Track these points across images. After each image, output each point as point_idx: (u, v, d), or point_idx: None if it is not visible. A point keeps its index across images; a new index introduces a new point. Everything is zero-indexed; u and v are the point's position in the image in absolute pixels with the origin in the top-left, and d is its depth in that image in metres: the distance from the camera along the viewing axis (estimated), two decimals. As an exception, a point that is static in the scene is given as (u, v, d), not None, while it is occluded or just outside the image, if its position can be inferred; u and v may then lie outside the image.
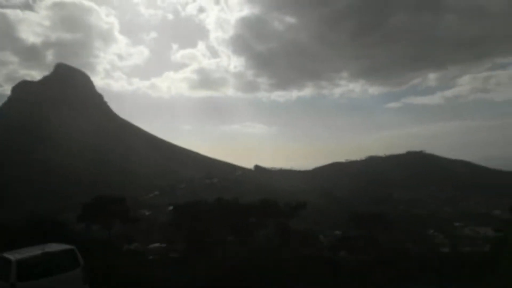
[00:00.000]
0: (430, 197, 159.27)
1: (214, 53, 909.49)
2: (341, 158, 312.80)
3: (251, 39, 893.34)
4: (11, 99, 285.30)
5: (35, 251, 9.85)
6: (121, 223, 46.59)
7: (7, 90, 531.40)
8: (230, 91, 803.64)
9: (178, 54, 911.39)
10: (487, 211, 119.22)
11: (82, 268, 10.30)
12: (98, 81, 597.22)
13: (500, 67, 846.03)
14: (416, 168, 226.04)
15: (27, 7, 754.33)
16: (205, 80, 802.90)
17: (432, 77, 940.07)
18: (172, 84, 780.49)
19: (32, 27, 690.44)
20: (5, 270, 9.14)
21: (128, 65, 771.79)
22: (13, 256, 9.53)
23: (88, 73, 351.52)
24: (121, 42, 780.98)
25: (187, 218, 44.47)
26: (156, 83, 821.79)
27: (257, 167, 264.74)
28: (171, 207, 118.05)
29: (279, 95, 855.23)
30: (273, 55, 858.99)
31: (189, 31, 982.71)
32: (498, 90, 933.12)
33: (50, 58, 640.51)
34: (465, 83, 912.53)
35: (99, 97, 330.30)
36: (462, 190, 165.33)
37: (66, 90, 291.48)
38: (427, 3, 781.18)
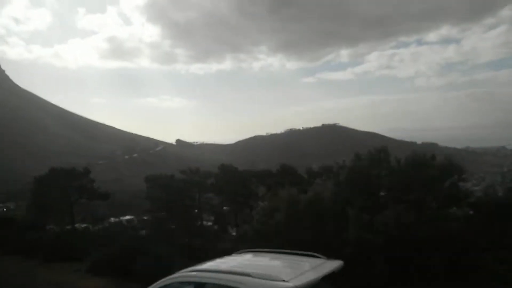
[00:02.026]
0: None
1: (126, 21, 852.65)
2: (262, 132, 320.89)
3: (168, 7, 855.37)
4: None
5: (298, 269, 4.60)
6: (88, 200, 41.59)
7: None
8: (145, 62, 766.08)
9: (85, 20, 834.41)
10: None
11: None
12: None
13: (403, 46, 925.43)
14: (331, 139, 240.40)
15: None
16: (117, 49, 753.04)
17: (344, 54, 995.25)
18: (79, 52, 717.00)
19: None
20: None
21: (26, 30, 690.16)
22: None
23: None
24: (18, 4, 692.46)
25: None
26: (61, 51, 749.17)
27: (178, 142, 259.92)
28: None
29: (198, 68, 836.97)
30: (191, 25, 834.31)
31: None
32: (400, 67, 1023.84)
33: None
34: (373, 59, 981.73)
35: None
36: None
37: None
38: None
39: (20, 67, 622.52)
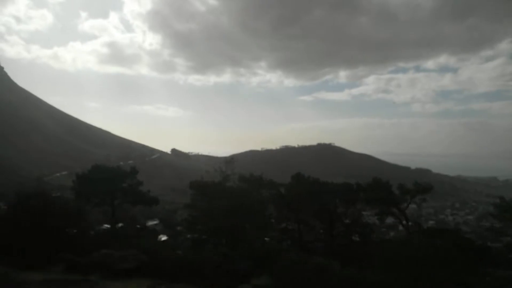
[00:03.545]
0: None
1: (128, 27, 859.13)
2: (257, 146, 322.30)
3: (170, 17, 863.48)
4: None
5: None
6: (132, 205, 37.59)
7: None
8: (144, 70, 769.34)
9: (87, 24, 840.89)
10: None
11: None
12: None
13: (401, 71, 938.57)
14: (326, 159, 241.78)
15: None
16: (117, 55, 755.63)
17: (342, 75, 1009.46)
18: (79, 55, 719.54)
19: None
20: None
21: (27, 29, 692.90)
22: None
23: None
24: (20, 3, 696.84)
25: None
26: (60, 53, 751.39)
27: (174, 151, 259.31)
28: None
29: (196, 79, 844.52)
30: (192, 36, 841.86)
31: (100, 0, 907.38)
32: (397, 92, 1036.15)
33: None
34: (370, 82, 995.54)
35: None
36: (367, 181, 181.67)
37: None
38: (343, 3, 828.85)
39: (18, 66, 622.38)
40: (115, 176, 34.03)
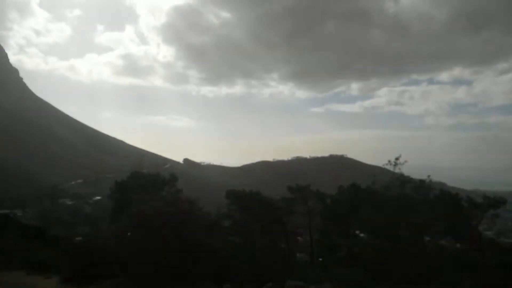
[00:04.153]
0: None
1: (143, 40, 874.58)
2: (268, 157, 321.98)
3: (184, 30, 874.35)
4: None
5: None
6: None
7: None
8: (157, 81, 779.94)
9: (103, 36, 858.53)
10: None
11: None
12: (10, 56, 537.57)
13: (415, 83, 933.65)
14: (338, 170, 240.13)
15: None
16: (131, 67, 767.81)
17: (354, 87, 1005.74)
18: (94, 67, 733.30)
19: None
20: None
21: (46, 42, 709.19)
22: None
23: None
24: (40, 17, 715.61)
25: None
26: (76, 64, 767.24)
27: (186, 161, 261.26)
28: (97, 197, 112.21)
29: (208, 90, 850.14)
30: (205, 48, 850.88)
31: (117, 13, 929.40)
32: (410, 104, 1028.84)
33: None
34: (383, 95, 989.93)
35: (14, 71, 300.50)
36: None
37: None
38: (356, 15, 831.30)
39: (36, 77, 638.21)
40: (154, 183, 31.56)
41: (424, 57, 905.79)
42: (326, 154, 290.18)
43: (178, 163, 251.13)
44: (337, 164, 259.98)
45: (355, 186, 33.07)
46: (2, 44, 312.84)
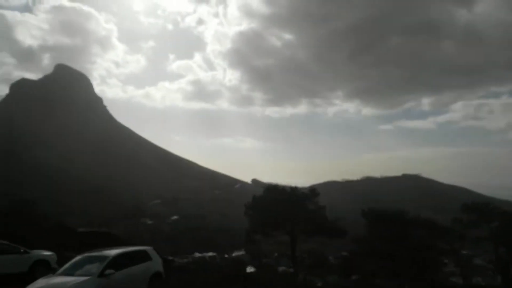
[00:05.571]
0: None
1: (210, 66, 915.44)
2: (336, 177, 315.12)
3: (248, 54, 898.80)
4: (8, 97, 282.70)
5: None
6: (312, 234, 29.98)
7: (1, 90, 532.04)
8: (224, 104, 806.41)
9: (174, 65, 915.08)
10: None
11: None
12: (94, 87, 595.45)
13: (494, 96, 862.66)
14: (412, 191, 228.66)
15: (27, 9, 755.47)
16: (200, 92, 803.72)
17: (425, 102, 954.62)
18: (167, 94, 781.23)
19: (30, 29, 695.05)
20: None
21: (124, 72, 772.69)
22: None
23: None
24: (119, 49, 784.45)
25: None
26: (151, 92, 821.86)
27: (254, 181, 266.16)
28: (175, 217, 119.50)
29: (273, 111, 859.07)
30: (269, 70, 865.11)
31: (186, 42, 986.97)
32: (489, 119, 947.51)
33: (47, 61, 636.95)
34: (458, 109, 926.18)
35: (99, 100, 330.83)
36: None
37: (65, 91, 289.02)
38: (424, 28, 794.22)
39: (116, 105, 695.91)
40: (293, 199, 28.81)
41: (503, 66, 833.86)
42: (398, 174, 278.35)
43: (247, 183, 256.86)
44: (411, 184, 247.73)
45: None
46: (88, 76, 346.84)
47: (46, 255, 18.72)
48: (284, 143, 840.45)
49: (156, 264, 15.22)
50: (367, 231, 30.06)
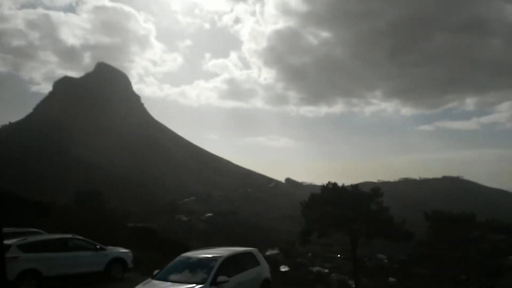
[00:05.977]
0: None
1: (245, 64, 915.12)
2: (372, 178, 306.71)
3: (284, 52, 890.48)
4: (52, 94, 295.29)
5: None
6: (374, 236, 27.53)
7: (44, 88, 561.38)
8: (259, 103, 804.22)
9: (210, 63, 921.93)
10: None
11: None
12: (133, 85, 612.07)
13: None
14: (453, 193, 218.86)
15: (70, 9, 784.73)
16: (235, 90, 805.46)
17: (469, 102, 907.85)
18: (202, 92, 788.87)
19: (73, 29, 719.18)
20: None
21: (161, 71, 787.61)
22: None
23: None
24: (157, 48, 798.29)
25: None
26: (186, 90, 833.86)
27: (288, 180, 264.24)
28: (209, 214, 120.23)
29: (308, 110, 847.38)
30: (304, 69, 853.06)
31: (223, 41, 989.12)
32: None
33: (88, 60, 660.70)
34: (504, 110, 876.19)
35: (137, 98, 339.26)
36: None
37: (105, 89, 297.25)
38: (469, 26, 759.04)
39: (153, 103, 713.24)
40: (355, 198, 27.00)
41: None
42: (438, 176, 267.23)
43: (280, 182, 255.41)
44: (452, 186, 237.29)
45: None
46: (126, 74, 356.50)
47: (123, 252, 16.70)
48: (318, 143, 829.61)
49: (264, 269, 12.95)
50: (431, 235, 27.41)
